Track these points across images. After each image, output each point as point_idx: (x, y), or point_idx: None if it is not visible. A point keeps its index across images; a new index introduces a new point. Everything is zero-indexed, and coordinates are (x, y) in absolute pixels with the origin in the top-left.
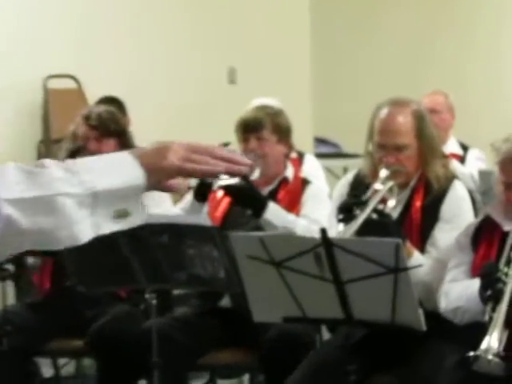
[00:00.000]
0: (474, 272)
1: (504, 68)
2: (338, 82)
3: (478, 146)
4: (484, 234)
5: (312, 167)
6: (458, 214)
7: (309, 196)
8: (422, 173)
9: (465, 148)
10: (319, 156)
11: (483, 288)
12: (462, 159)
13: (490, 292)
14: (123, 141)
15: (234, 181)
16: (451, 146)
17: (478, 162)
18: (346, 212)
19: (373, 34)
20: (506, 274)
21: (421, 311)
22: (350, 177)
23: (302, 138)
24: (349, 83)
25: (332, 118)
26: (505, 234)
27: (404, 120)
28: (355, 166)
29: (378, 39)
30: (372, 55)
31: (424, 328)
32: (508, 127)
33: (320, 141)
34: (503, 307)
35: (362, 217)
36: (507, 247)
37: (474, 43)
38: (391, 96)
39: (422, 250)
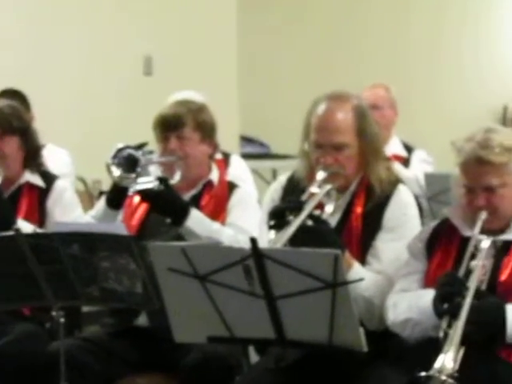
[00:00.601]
0: (428, 282)
1: (444, 65)
2: (265, 77)
3: (418, 145)
4: (440, 240)
5: (239, 169)
6: (403, 221)
7: (236, 202)
8: (363, 176)
9: (409, 149)
10: (245, 157)
11: (439, 300)
12: (405, 161)
13: (447, 306)
14: (26, 139)
15: (152, 185)
16: (394, 147)
17: (423, 165)
18: (277, 218)
19: (302, 28)
20: (466, 287)
21: (361, 330)
22: (282, 179)
23: (227, 137)
24: (277, 79)
25: (259, 116)
26: (463, 240)
27: (344, 116)
28: (285, 168)
29: (307, 33)
30: (303, 49)
31: (365, 349)
32: (449, 126)
33: (246, 140)
34: (460, 323)
35: (295, 223)
36: (467, 255)
37: (411, 37)
38: (323, 92)
39: (363, 261)
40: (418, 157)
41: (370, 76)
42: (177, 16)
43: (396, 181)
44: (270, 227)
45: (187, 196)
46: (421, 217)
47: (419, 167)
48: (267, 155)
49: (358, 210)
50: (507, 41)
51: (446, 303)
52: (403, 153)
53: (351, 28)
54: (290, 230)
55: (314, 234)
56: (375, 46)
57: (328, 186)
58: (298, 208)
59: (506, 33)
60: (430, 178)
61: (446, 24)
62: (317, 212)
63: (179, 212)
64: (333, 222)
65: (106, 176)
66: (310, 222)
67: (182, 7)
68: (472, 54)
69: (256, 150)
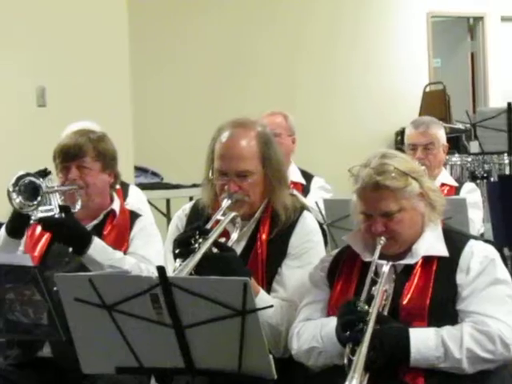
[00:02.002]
0: (331, 310)
1: (336, 93)
2: (158, 110)
3: (315, 173)
4: (342, 268)
5: (137, 199)
6: (308, 248)
7: (138, 231)
8: (268, 203)
9: (307, 176)
10: (139, 186)
11: (342, 328)
12: (304, 189)
13: (349, 333)
14: None
15: (53, 213)
16: (292, 174)
17: (322, 192)
18: (183, 246)
19: (193, 60)
20: (367, 313)
21: (271, 357)
22: (187, 208)
23: (122, 167)
24: (169, 110)
25: (152, 146)
26: (364, 266)
27: (247, 144)
28: (178, 198)
29: (198, 65)
30: (194, 81)
31: (275, 376)
32: (343, 153)
33: (139, 170)
34: (364, 349)
35: (200, 251)
36: (368, 281)
37: (303, 66)
38: (211, 123)
39: (269, 288)
40: (316, 184)
41: (262, 105)
42: (69, 46)
43: (301, 208)
44: (176, 256)
45: (89, 226)
46: (326, 244)
47: (318, 194)
48: (160, 185)
49: (264, 236)
50: (397, 68)
51: (349, 330)
52: (302, 180)
53: (242, 58)
54: (196, 258)
55: (219, 262)
56: (267, 76)
57: (233, 214)
58: (202, 236)
59: (396, 60)
60: (329, 204)
61: (336, 52)
62: (222, 239)
63: (81, 241)
64: (238, 249)
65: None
66: (215, 250)
67: (75, 38)
68: (363, 82)
69: (149, 180)
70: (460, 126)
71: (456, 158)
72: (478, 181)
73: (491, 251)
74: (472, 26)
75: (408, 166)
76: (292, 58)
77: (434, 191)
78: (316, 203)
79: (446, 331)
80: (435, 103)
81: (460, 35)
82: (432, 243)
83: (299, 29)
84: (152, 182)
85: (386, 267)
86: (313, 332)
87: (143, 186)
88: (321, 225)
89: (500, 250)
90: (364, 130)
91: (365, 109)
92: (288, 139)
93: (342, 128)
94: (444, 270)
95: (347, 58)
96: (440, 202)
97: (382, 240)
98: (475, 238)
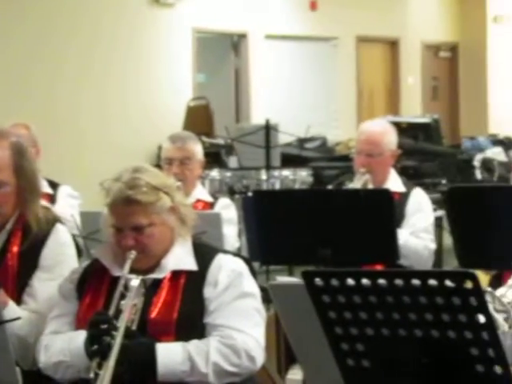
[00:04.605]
0: (80, 323)
1: (88, 109)
2: None
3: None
4: (91, 281)
5: None
6: (59, 261)
7: None
8: (20, 214)
9: (54, 186)
10: None
11: (89, 342)
12: (51, 198)
13: (97, 346)
14: None
15: None
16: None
17: (69, 200)
18: None
19: None
20: (115, 327)
21: (18, 370)
22: None
23: None
24: None
25: None
26: (114, 280)
27: (1, 154)
28: None
29: None
30: None
31: None
32: (95, 169)
33: None
34: (111, 363)
35: None
36: (116, 295)
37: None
38: None
39: (19, 300)
40: (63, 192)
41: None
42: None
43: (54, 220)
44: None
45: None
46: (79, 257)
47: (66, 202)
48: None
49: (15, 249)
50: (161, 83)
51: (96, 344)
52: (49, 190)
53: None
54: None
55: None
56: (27, 89)
57: None
58: None
59: (160, 75)
60: (85, 216)
61: (93, 67)
62: None
63: None
64: None
65: None
66: None
67: None
68: (120, 98)
69: None
70: (221, 141)
71: (215, 173)
72: (237, 196)
73: (239, 265)
74: (236, 42)
75: (159, 180)
76: (53, 73)
77: (184, 206)
78: (72, 215)
79: (193, 346)
80: (199, 118)
81: (224, 52)
82: (181, 257)
83: (60, 47)
84: None
85: (135, 281)
86: (61, 345)
87: None
88: (74, 238)
89: (249, 264)
90: (121, 147)
91: (123, 124)
92: (32, 150)
93: (94, 143)
94: (192, 284)
95: (103, 73)
96: (190, 216)
97: (132, 254)
98: (224, 251)
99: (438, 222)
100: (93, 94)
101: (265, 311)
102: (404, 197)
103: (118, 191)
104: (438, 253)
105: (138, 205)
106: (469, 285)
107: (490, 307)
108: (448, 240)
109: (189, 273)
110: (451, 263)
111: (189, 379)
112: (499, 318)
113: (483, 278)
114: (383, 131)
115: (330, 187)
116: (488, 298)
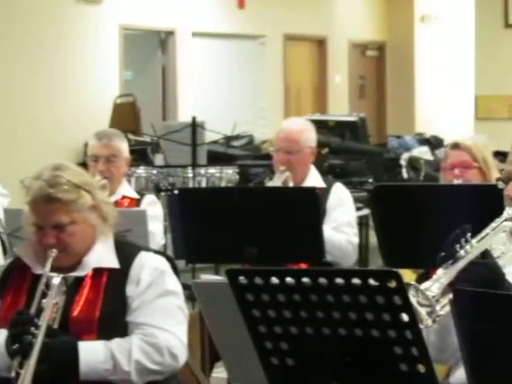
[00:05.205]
0: (1, 322)
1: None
2: None
3: None
4: (13, 279)
5: None
6: None
7: None
8: None
9: None
10: None
11: (11, 340)
12: None
13: (17, 345)
14: None
15: None
16: None
17: (1, 199)
18: None
19: None
20: (37, 326)
21: None
22: None
23: None
24: None
25: None
26: (36, 279)
27: None
28: None
29: None
30: None
31: None
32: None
33: None
34: (32, 362)
35: None
36: (38, 293)
37: None
38: None
39: None
40: None
41: None
42: None
43: None
44: None
45: None
46: (5, 254)
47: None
48: None
49: None
50: (87, 80)
51: (17, 343)
52: None
53: None
54: None
55: None
56: None
57: None
58: None
59: (86, 72)
60: (8, 213)
61: (19, 66)
62: None
63: None
64: None
65: None
66: None
67: None
68: (48, 95)
69: None
70: (147, 138)
71: (141, 170)
72: (163, 193)
73: (162, 263)
74: (163, 40)
75: (81, 178)
76: None
77: (106, 204)
78: None
79: (116, 344)
80: (125, 115)
81: (152, 49)
82: (103, 255)
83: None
84: None
85: (56, 279)
86: None
87: None
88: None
89: (171, 262)
90: (48, 145)
91: (51, 121)
92: None
93: (24, 145)
94: (114, 282)
95: (31, 71)
96: (112, 214)
97: (54, 252)
98: (147, 249)
99: (365, 220)
100: (21, 91)
101: (189, 309)
102: (325, 192)
103: (38, 189)
104: (364, 251)
105: (59, 203)
106: (393, 284)
107: (414, 301)
108: (374, 238)
109: (111, 271)
110: (376, 262)
111: (111, 377)
112: (422, 311)
113: (411, 275)
114: (302, 128)
115: (250, 185)
116: (412, 291)
